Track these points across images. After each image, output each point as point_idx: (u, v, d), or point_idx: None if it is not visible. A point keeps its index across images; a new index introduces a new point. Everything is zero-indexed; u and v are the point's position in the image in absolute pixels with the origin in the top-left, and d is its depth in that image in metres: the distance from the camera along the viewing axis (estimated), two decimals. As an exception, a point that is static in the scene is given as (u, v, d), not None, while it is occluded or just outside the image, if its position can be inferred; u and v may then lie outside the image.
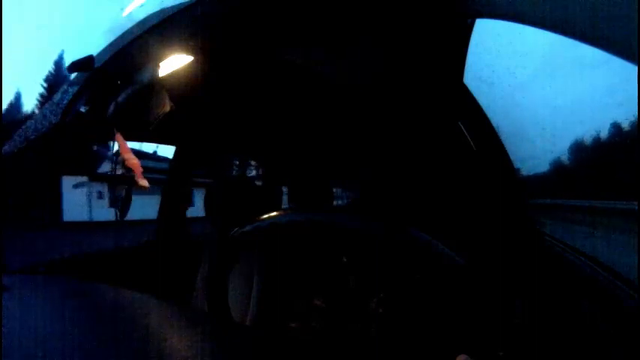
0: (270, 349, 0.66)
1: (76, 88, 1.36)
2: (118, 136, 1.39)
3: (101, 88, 1.39)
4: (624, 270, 0.74)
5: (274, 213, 1.14)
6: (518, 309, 0.80)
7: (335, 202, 1.77)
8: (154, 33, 1.13)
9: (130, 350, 0.58)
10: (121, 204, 1.48)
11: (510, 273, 0.85)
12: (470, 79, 1.03)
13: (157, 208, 2.22)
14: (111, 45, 1.26)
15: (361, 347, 0.94)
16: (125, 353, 0.56)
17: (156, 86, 1.35)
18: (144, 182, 1.40)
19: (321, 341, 0.99)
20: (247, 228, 1.14)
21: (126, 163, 1.40)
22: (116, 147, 1.42)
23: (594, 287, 0.79)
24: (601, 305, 0.77)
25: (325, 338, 0.98)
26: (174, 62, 1.26)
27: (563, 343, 0.74)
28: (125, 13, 1.22)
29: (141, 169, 1.41)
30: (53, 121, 1.37)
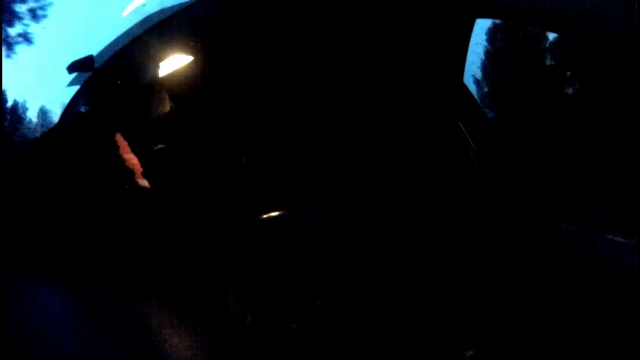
0: (270, 349, 0.67)
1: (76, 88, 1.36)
2: (119, 136, 1.39)
3: (101, 88, 1.39)
4: (624, 269, 0.74)
5: (274, 213, 1.13)
6: (518, 308, 0.79)
7: (335, 203, 1.76)
8: (154, 33, 1.13)
9: (131, 350, 0.58)
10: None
11: (510, 272, 0.85)
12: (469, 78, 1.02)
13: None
14: (111, 45, 1.26)
15: (361, 347, 0.94)
16: (126, 353, 0.56)
17: (156, 86, 1.35)
18: (144, 182, 1.40)
19: (321, 341, 0.98)
20: (247, 228, 1.14)
21: (126, 163, 1.40)
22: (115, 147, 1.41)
23: (594, 287, 0.79)
24: (601, 304, 0.77)
25: (325, 338, 0.98)
26: (174, 62, 1.26)
27: (563, 342, 0.74)
28: (125, 13, 1.22)
29: (141, 170, 1.40)
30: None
